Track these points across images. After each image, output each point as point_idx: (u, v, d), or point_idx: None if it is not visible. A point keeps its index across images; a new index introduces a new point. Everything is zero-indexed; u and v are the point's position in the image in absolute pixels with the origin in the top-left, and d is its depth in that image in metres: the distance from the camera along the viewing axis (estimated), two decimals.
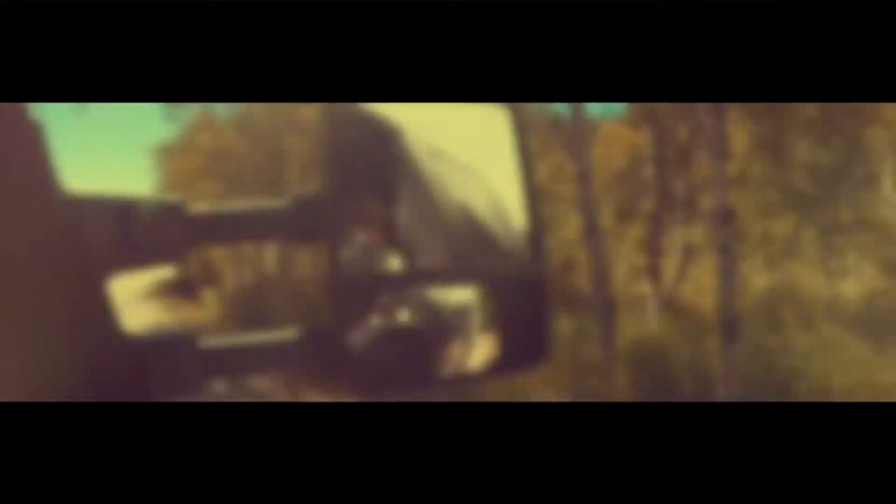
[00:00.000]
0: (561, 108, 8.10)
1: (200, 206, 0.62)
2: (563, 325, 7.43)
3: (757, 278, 9.87)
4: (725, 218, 5.96)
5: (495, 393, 6.03)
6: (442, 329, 0.88)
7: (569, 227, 10.06)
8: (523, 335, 0.70)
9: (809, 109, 8.08)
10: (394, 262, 0.79)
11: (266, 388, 7.30)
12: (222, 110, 13.27)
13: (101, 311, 0.56)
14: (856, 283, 9.62)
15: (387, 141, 0.90)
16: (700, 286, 9.24)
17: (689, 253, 9.91)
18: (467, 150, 0.86)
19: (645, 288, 9.61)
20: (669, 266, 9.92)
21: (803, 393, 5.61)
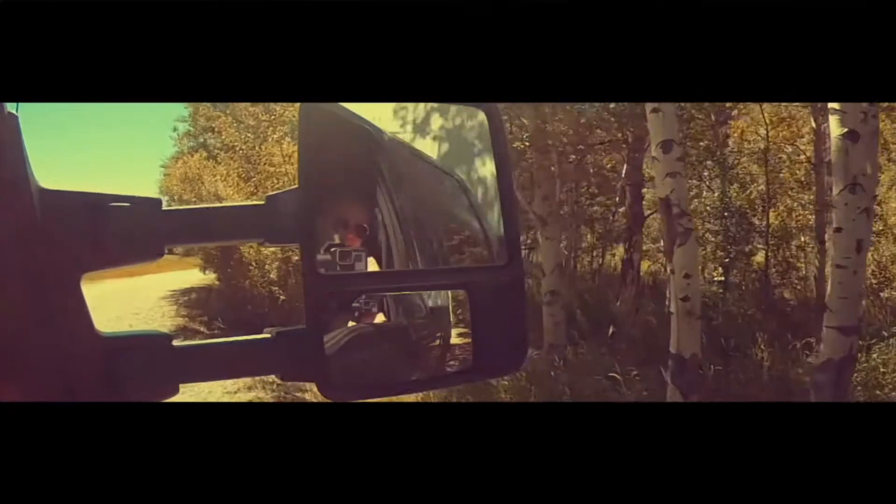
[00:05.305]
0: None
1: (175, 205, 0.62)
2: None
3: None
4: None
5: None
6: (417, 332, 0.88)
7: None
8: (499, 339, 0.71)
9: None
10: (370, 264, 0.79)
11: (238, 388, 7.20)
12: None
13: (76, 310, 0.55)
14: None
15: (365, 143, 0.90)
16: None
17: None
18: (446, 153, 0.87)
19: None
20: None
21: None
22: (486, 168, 0.79)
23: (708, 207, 9.34)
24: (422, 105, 0.80)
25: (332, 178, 0.72)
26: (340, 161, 0.77)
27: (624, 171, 9.42)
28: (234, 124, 12.22)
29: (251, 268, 10.57)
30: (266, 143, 11.21)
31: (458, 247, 0.88)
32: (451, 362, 0.83)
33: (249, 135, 11.93)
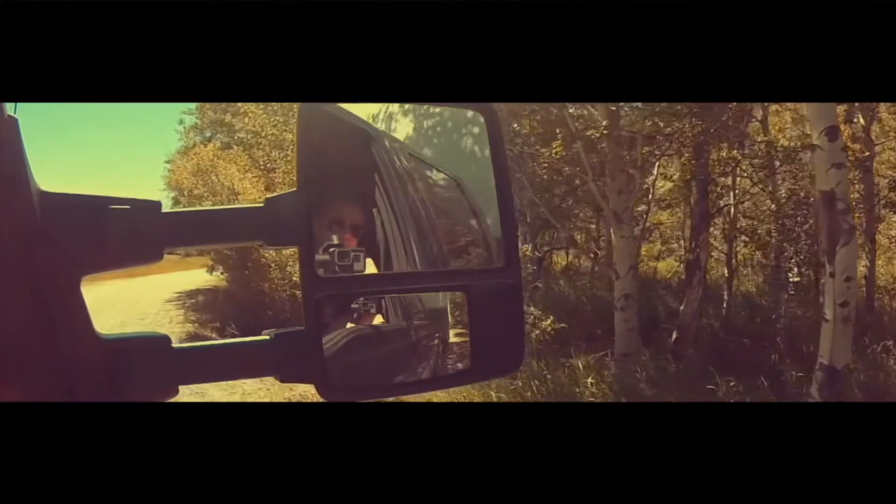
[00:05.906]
0: None
1: (185, 199, 0.62)
2: None
3: None
4: None
5: None
6: (416, 333, 0.88)
7: None
8: (498, 341, 0.71)
9: None
10: (368, 265, 0.79)
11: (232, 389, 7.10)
12: None
13: (75, 312, 0.55)
14: None
15: (363, 144, 0.90)
16: None
17: None
18: (445, 155, 0.87)
19: None
20: None
21: None
22: (484, 169, 0.79)
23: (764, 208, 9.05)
24: (419, 106, 0.80)
25: (331, 180, 0.72)
26: (339, 162, 0.77)
27: (693, 168, 8.63)
28: (262, 106, 11.28)
29: (271, 269, 9.78)
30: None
31: (457, 249, 0.89)
32: (450, 363, 0.84)
33: (279, 118, 11.14)
